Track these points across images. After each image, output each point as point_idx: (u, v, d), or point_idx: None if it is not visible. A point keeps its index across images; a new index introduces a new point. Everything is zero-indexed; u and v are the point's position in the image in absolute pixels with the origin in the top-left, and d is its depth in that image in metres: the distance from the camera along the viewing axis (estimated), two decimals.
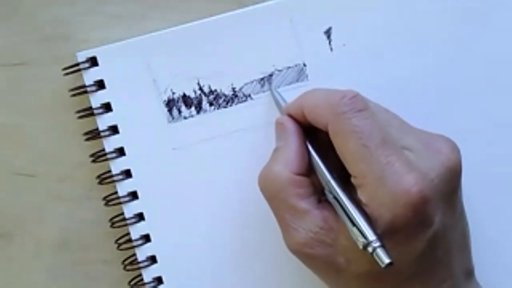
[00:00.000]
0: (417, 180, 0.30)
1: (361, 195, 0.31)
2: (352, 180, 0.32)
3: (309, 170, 0.34)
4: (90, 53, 0.39)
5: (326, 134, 0.33)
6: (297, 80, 0.39)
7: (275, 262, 0.40)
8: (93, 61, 0.39)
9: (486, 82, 0.39)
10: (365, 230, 0.30)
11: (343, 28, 0.39)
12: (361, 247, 0.30)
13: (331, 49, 0.39)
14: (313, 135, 0.35)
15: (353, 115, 0.32)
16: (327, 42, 0.39)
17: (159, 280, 0.40)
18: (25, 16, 0.40)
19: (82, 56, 0.39)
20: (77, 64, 0.39)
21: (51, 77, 0.40)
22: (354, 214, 0.31)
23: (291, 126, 0.35)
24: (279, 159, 0.34)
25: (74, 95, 0.39)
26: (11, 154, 0.41)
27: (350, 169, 0.32)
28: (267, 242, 0.39)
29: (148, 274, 0.40)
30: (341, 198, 0.32)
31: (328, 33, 0.39)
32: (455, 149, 0.33)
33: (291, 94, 0.38)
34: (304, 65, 0.39)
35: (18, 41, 0.40)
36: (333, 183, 0.33)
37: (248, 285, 0.40)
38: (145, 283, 0.40)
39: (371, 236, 0.30)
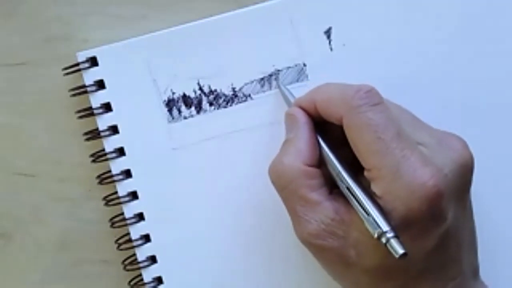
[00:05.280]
0: (433, 174, 0.30)
1: (375, 188, 0.31)
2: (366, 173, 0.32)
3: (320, 162, 0.34)
4: (90, 53, 0.39)
5: (336, 128, 0.33)
6: (297, 80, 0.39)
7: (274, 262, 0.40)
8: (93, 61, 0.39)
9: (487, 82, 0.39)
10: (379, 221, 0.30)
11: (343, 28, 0.39)
12: (375, 236, 0.30)
13: (331, 49, 0.39)
14: (323, 129, 0.35)
15: (368, 108, 0.32)
16: (327, 42, 0.39)
17: (159, 280, 0.40)
18: (25, 16, 0.40)
19: (82, 56, 0.39)
20: (77, 64, 0.39)
21: (51, 77, 0.40)
22: (367, 204, 0.31)
23: (302, 117, 0.35)
24: (290, 150, 0.34)
25: (74, 95, 0.39)
26: (11, 154, 0.41)
27: (364, 163, 0.32)
28: (267, 242, 0.39)
29: (148, 274, 0.40)
30: (354, 189, 0.32)
31: (328, 33, 0.39)
32: (467, 147, 0.34)
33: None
34: (304, 65, 0.39)
35: (18, 41, 0.40)
36: (344, 174, 0.33)
37: (248, 285, 0.40)
38: (145, 283, 0.40)
39: (385, 226, 0.30)
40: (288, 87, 0.39)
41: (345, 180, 0.33)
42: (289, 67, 0.39)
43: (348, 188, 0.32)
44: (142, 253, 0.40)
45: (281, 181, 0.34)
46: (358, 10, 0.39)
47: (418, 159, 0.31)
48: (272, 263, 0.40)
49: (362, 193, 0.32)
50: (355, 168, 0.33)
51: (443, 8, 0.39)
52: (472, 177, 0.34)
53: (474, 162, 0.33)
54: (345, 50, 0.39)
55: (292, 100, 0.37)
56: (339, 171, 0.33)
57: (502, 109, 0.39)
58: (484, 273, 0.35)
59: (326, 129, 0.35)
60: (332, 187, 0.34)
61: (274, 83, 0.39)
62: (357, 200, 0.32)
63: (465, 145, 0.34)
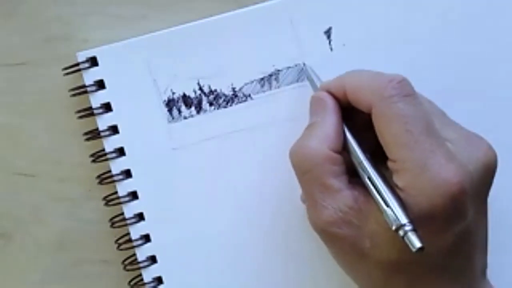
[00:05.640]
0: (458, 171, 0.30)
1: (398, 180, 0.31)
2: (389, 164, 0.31)
3: (342, 149, 0.34)
4: (90, 53, 0.39)
5: (361, 115, 0.33)
6: (297, 80, 0.39)
7: (275, 263, 0.40)
8: (93, 61, 0.39)
9: (487, 82, 0.39)
10: (397, 213, 0.30)
11: (343, 28, 0.39)
12: (393, 228, 0.29)
13: (331, 49, 0.39)
14: (348, 115, 0.34)
15: (400, 99, 0.31)
16: (327, 42, 0.39)
17: (159, 280, 0.40)
18: (25, 16, 0.40)
19: (82, 56, 0.39)
20: (77, 64, 0.39)
21: (51, 77, 0.40)
22: (388, 196, 0.31)
23: (330, 102, 0.34)
24: (317, 134, 0.33)
25: (74, 95, 0.39)
26: (11, 154, 0.41)
27: (389, 153, 0.31)
28: (267, 242, 0.39)
29: (148, 274, 0.40)
30: (375, 180, 0.32)
31: (328, 33, 0.39)
32: (492, 147, 0.33)
33: (291, 94, 0.39)
34: (304, 65, 0.39)
35: (18, 41, 0.40)
36: (367, 164, 0.32)
37: (248, 285, 0.40)
38: (145, 283, 0.40)
39: (404, 219, 0.29)
40: (288, 87, 0.39)
41: (367, 170, 0.32)
42: (289, 67, 0.39)
43: (369, 178, 0.32)
44: (142, 253, 0.40)
45: (304, 165, 0.33)
46: (358, 10, 0.39)
47: (445, 155, 0.30)
48: (271, 263, 0.40)
49: (383, 184, 0.31)
50: (377, 156, 0.32)
51: (443, 8, 0.39)
52: (494, 178, 0.33)
53: (497, 163, 0.33)
54: (345, 50, 0.39)
55: (318, 84, 0.37)
56: (361, 161, 0.33)
57: (502, 109, 0.39)
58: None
59: (351, 115, 0.34)
60: (351, 175, 0.33)
61: (274, 83, 0.39)
62: (377, 191, 0.31)
63: (490, 145, 0.33)
